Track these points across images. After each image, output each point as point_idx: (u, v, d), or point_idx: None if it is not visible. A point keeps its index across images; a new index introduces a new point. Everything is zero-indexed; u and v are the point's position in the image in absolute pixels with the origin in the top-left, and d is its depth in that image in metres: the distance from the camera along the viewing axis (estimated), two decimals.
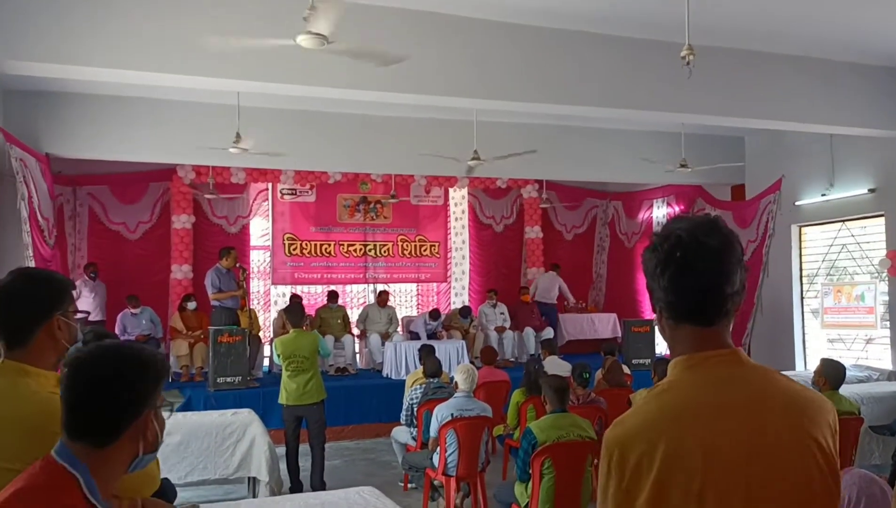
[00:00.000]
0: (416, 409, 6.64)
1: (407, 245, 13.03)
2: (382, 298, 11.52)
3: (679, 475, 1.34)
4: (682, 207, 12.97)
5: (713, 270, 1.44)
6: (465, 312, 11.74)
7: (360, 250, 12.67)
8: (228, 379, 8.79)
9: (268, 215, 12.29)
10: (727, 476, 1.33)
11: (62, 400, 1.63)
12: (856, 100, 8.12)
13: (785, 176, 10.85)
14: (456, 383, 6.04)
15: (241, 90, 7.13)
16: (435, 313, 11.43)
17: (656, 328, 8.81)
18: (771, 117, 7.84)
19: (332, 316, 11.05)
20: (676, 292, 1.47)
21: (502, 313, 12.07)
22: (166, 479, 3.24)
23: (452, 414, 5.74)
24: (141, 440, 1.66)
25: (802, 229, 11.03)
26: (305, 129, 9.59)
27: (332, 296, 11.35)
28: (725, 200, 12.25)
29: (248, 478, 6.12)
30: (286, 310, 7.19)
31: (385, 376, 10.41)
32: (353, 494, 3.64)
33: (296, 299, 9.52)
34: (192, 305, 10.12)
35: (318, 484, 6.66)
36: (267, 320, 11.82)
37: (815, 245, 10.91)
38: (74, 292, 2.18)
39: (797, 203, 10.74)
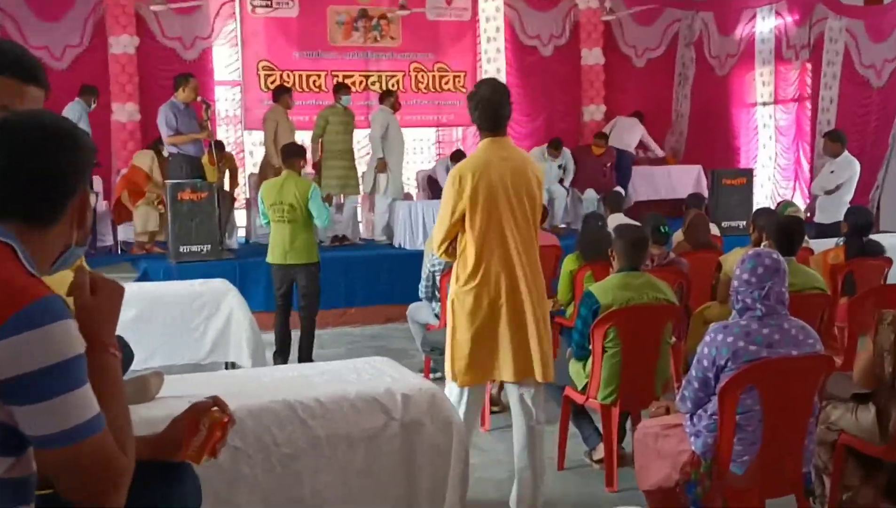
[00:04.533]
0: (438, 278, 6.67)
1: (423, 76, 12.87)
2: (394, 99, 10.88)
3: (483, 183, 4.03)
4: (797, 15, 12.56)
5: (499, 111, 4.10)
6: None
7: (361, 83, 12.53)
8: (194, 248, 8.88)
9: (236, 40, 12.10)
10: (505, 185, 4.06)
11: None
12: None
13: None
14: None
15: None
16: (458, 155, 11.38)
17: (751, 178, 8.80)
18: None
19: (339, 121, 10.61)
20: (486, 119, 4.10)
21: (561, 166, 11.94)
22: (121, 337, 3.31)
23: None
24: (76, 227, 1.93)
25: None
26: None
27: (341, 88, 10.81)
28: (855, 4, 11.82)
29: (226, 364, 6.28)
30: (282, 147, 7.41)
31: (398, 246, 10.47)
32: (361, 364, 3.71)
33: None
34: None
35: (306, 360, 6.92)
36: (240, 177, 11.87)
37: None
38: None
39: None
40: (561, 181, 12.01)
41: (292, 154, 7.15)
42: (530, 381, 4.18)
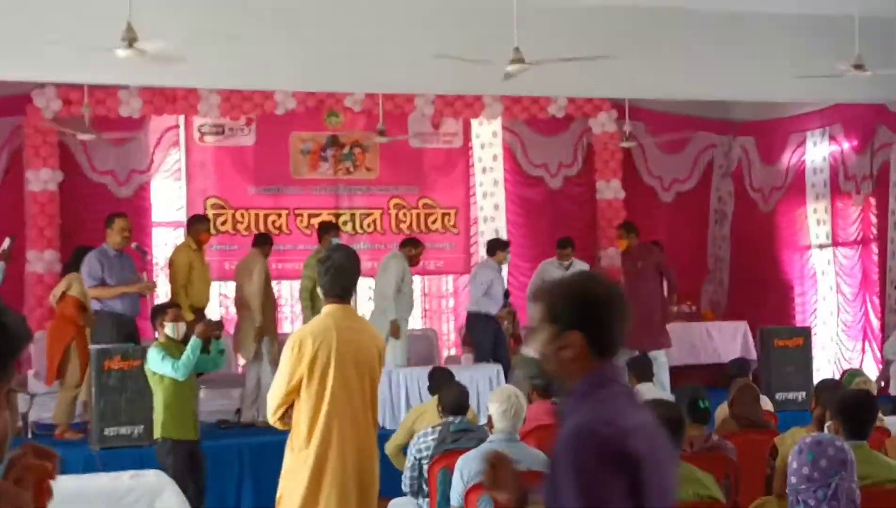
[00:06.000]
0: (426, 466, 6.67)
1: (405, 214, 13.10)
2: (415, 253, 10.71)
3: (324, 350, 4.98)
4: (856, 141, 12.83)
5: (351, 280, 5.42)
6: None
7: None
8: (123, 430, 8.81)
9: (179, 174, 12.34)
10: (346, 354, 5.06)
11: None
12: None
13: None
14: (490, 419, 6.05)
15: None
16: (500, 244, 11.49)
17: (809, 338, 8.74)
18: None
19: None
20: (332, 287, 5.24)
21: None
22: None
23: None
24: None
25: None
26: (237, 22, 9.60)
27: (330, 229, 10.71)
28: None
29: None
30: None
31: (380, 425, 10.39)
32: None
33: None
34: None
35: None
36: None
37: None
38: None
39: None
40: None
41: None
42: None
